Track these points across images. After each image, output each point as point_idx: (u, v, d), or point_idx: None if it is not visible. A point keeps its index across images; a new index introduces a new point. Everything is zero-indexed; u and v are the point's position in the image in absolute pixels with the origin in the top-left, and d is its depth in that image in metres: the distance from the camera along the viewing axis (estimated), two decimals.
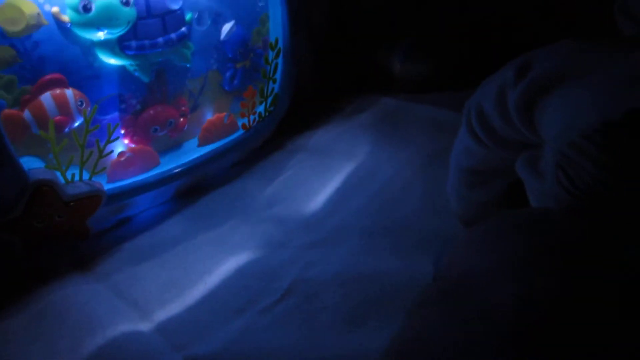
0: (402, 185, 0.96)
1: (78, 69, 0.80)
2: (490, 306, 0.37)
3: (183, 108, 1.00)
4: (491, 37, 1.28)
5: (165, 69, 0.94)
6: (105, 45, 0.82)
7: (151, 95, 0.93)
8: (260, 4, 1.08)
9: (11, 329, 0.67)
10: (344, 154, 1.10)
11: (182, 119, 1.00)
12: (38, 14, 0.73)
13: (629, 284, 0.36)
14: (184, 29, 0.92)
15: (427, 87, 1.32)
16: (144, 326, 0.69)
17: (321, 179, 1.02)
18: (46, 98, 0.75)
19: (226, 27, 1.02)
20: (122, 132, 0.91)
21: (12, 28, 0.69)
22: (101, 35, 0.80)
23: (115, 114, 0.89)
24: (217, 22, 1.01)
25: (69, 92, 0.78)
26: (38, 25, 0.73)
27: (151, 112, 0.93)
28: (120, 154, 0.88)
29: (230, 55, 1.05)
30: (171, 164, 0.97)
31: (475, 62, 1.21)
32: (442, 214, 0.84)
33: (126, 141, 0.92)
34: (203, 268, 0.79)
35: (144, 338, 0.67)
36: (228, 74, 1.06)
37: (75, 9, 0.76)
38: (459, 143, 0.75)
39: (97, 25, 0.79)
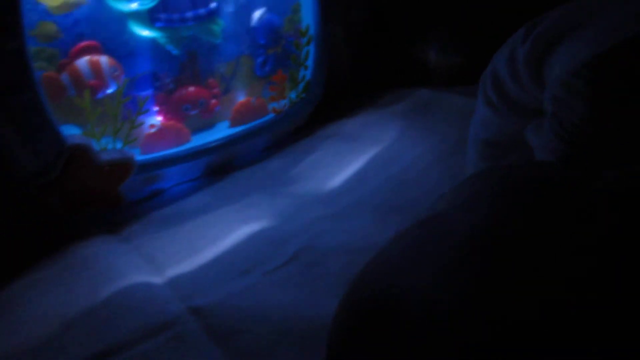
0: (422, 170, 0.95)
1: (114, 47, 0.88)
2: (449, 231, 0.38)
3: (215, 90, 1.05)
4: None
5: (197, 51, 0.99)
6: (136, 16, 0.88)
7: (184, 75, 0.99)
8: None
9: (40, 276, 0.74)
10: (370, 139, 1.11)
11: (213, 101, 1.05)
12: None
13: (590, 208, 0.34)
14: (213, 5, 0.97)
15: (462, 78, 1.29)
16: (156, 279, 0.73)
17: (344, 161, 1.03)
18: (82, 63, 0.82)
19: (257, 14, 1.06)
20: (156, 109, 0.97)
21: (52, 3, 0.77)
22: (133, 6, 0.86)
23: (149, 91, 0.95)
24: (250, 8, 1.06)
25: (103, 59, 0.84)
26: (78, 4, 0.81)
27: (183, 90, 0.99)
28: (152, 125, 0.95)
29: (261, 42, 1.09)
30: (202, 141, 1.03)
31: None
32: None
33: (160, 118, 0.98)
34: (218, 234, 0.83)
35: (154, 289, 0.71)
36: (260, 60, 1.10)
37: None
38: (476, 115, 0.74)
39: None
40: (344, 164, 1.02)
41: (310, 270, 0.72)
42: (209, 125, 1.08)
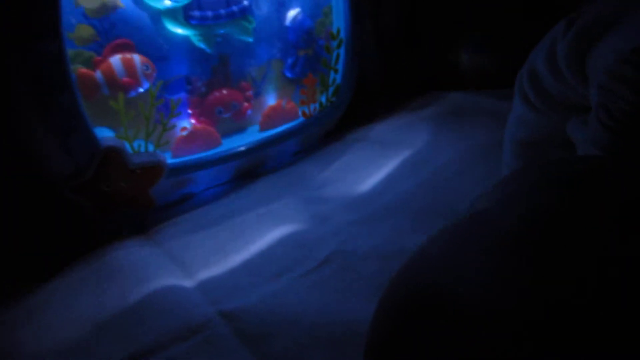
0: (455, 173, 0.93)
1: (148, 50, 0.88)
2: (494, 227, 0.36)
3: (247, 93, 1.05)
4: None
5: (229, 54, 1.00)
6: (171, 13, 0.89)
7: (215, 78, 0.99)
8: None
9: (71, 279, 0.75)
10: (402, 143, 1.09)
11: (246, 104, 1.05)
12: None
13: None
14: (245, 2, 0.97)
15: (495, 82, 1.27)
16: (187, 283, 0.73)
17: (375, 165, 1.01)
18: (115, 60, 0.83)
19: (291, 13, 1.06)
20: (190, 112, 0.97)
21: (89, 6, 0.78)
22: (167, 3, 0.86)
23: (181, 94, 0.96)
24: (280, 12, 1.06)
25: (136, 57, 0.85)
26: (114, 7, 0.82)
27: (216, 93, 0.99)
28: (183, 128, 0.95)
29: (293, 42, 1.09)
30: (232, 145, 1.03)
31: None
32: None
33: (193, 121, 0.99)
34: (248, 238, 0.82)
35: (185, 292, 0.70)
36: (290, 60, 1.10)
37: None
38: (513, 115, 0.72)
39: None
40: (375, 168, 1.00)
41: (342, 275, 0.71)
42: (239, 130, 1.08)
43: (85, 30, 0.80)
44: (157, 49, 0.90)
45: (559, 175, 0.38)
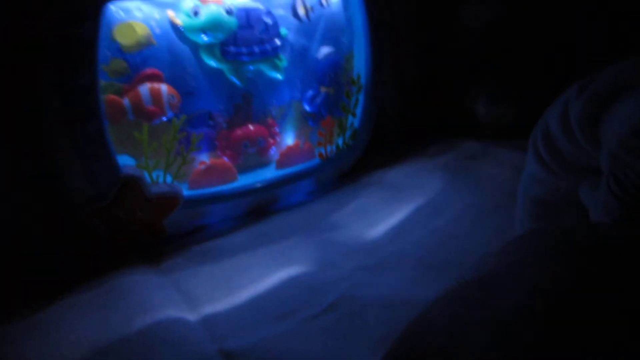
0: (467, 224, 0.92)
1: (175, 85, 0.92)
2: (501, 293, 0.36)
3: (273, 129, 1.08)
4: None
5: (252, 93, 1.03)
6: (209, 48, 0.94)
7: (237, 116, 1.02)
8: (345, 42, 1.14)
9: (77, 300, 0.75)
10: (416, 189, 1.09)
11: (271, 140, 1.08)
12: (149, 35, 0.85)
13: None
14: (278, 42, 1.02)
15: (511, 131, 1.27)
16: (191, 316, 0.73)
17: (387, 210, 1.01)
18: (144, 89, 0.87)
19: (324, 50, 1.10)
20: (217, 143, 1.00)
21: (125, 42, 0.82)
22: (205, 37, 0.91)
23: (203, 129, 0.98)
24: (304, 57, 1.10)
25: (163, 87, 0.89)
26: (148, 44, 0.86)
27: (244, 128, 1.03)
28: (201, 162, 0.97)
29: (318, 76, 1.12)
30: (248, 181, 1.04)
31: None
32: None
33: (218, 152, 1.01)
34: (256, 275, 0.82)
35: (188, 326, 0.70)
36: (311, 93, 1.12)
37: (187, 14, 0.89)
38: (527, 173, 0.72)
39: (203, 29, 0.90)
40: (387, 213, 1.00)
41: (347, 322, 0.70)
42: (260, 165, 1.10)
43: (118, 64, 0.84)
44: (184, 85, 0.93)
45: (569, 245, 0.38)
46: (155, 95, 0.87)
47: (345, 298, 0.75)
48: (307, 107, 1.12)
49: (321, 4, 1.07)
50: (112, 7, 0.81)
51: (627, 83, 0.50)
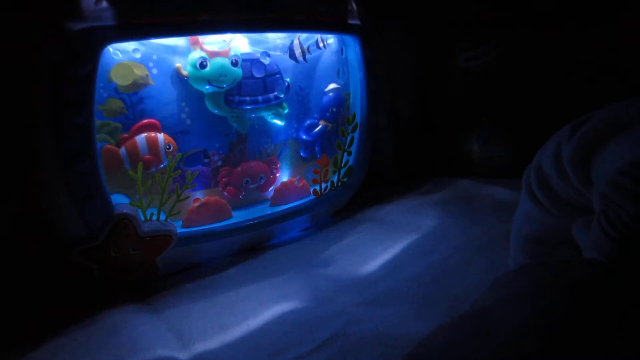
0: (462, 261, 0.92)
1: (171, 124, 0.93)
2: (494, 328, 0.36)
3: (274, 166, 1.09)
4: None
5: (248, 132, 1.05)
6: (213, 96, 0.96)
7: (232, 154, 1.04)
8: (341, 82, 1.17)
9: (68, 340, 0.74)
10: (410, 226, 1.09)
11: (271, 176, 1.09)
12: (146, 76, 0.88)
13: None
14: (282, 95, 1.05)
15: (505, 172, 1.29)
16: (182, 355, 0.71)
17: (381, 246, 1.01)
18: (141, 139, 0.88)
19: (332, 85, 1.14)
20: (217, 179, 1.02)
21: (122, 83, 0.84)
22: (209, 88, 0.94)
23: (198, 167, 0.99)
24: (300, 96, 1.12)
25: (160, 136, 0.90)
26: (145, 85, 0.88)
27: (246, 165, 1.04)
28: (196, 199, 0.98)
29: (320, 107, 1.15)
30: (242, 218, 1.04)
31: None
32: None
33: (220, 189, 1.03)
34: (249, 312, 0.81)
35: None
36: (309, 122, 1.15)
37: (194, 65, 0.92)
38: (520, 211, 0.73)
39: (208, 79, 0.93)
40: (381, 250, 1.00)
41: (341, 359, 0.68)
42: (251, 204, 1.11)
43: (114, 104, 0.86)
44: (180, 124, 0.95)
45: (561, 281, 0.38)
46: (152, 145, 0.89)
47: (339, 336, 0.73)
48: (303, 136, 1.14)
49: (318, 46, 1.11)
50: (110, 48, 0.84)
51: (617, 125, 0.52)
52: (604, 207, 0.47)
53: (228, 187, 1.03)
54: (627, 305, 0.36)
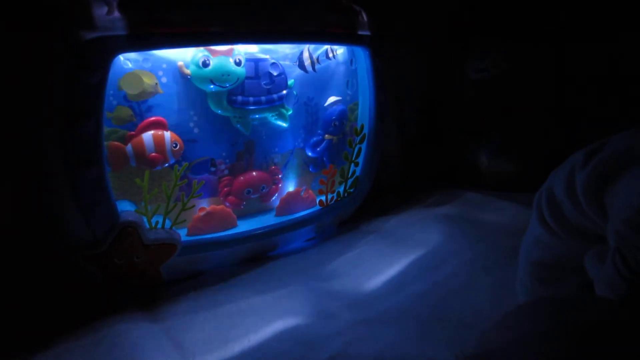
0: (468, 280, 0.91)
1: (179, 133, 0.93)
2: None
3: (276, 177, 1.09)
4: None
5: (254, 141, 1.04)
6: (216, 96, 0.95)
7: (239, 163, 1.03)
8: (350, 93, 1.17)
9: (69, 349, 0.74)
10: (415, 240, 1.08)
11: (274, 186, 1.09)
12: (156, 84, 0.88)
13: None
14: (284, 92, 1.04)
15: (514, 185, 1.28)
16: None
17: (385, 261, 1.00)
18: (147, 136, 0.88)
19: (332, 99, 1.13)
20: (220, 191, 1.01)
21: (131, 91, 0.84)
22: (212, 87, 0.93)
23: (205, 176, 0.99)
24: (308, 106, 1.12)
25: (167, 134, 0.90)
26: (154, 93, 0.88)
27: (247, 175, 1.04)
28: (201, 208, 0.97)
29: (323, 123, 1.14)
30: (248, 227, 1.04)
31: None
32: None
33: (221, 198, 1.02)
34: (250, 326, 0.80)
35: None
36: (314, 139, 1.14)
37: (196, 64, 0.91)
38: (530, 234, 0.71)
39: (211, 78, 0.92)
40: (387, 264, 0.99)
41: None
42: (257, 213, 1.10)
43: (124, 112, 0.86)
44: (188, 132, 0.95)
45: (571, 322, 0.37)
46: (158, 143, 0.88)
47: (341, 355, 0.73)
48: (309, 153, 1.14)
49: (327, 56, 1.10)
50: (120, 57, 0.83)
51: (632, 156, 0.50)
52: (618, 245, 0.46)
53: (229, 197, 1.02)
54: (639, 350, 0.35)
